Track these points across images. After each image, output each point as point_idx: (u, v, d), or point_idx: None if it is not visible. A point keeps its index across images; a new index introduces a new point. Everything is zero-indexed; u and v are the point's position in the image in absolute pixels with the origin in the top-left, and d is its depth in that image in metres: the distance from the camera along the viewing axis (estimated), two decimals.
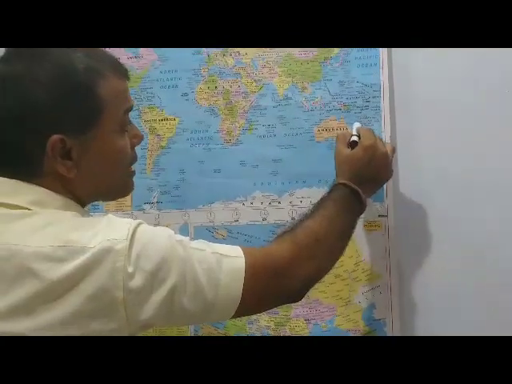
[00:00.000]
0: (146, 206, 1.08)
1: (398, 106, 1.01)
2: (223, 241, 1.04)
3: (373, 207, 1.00)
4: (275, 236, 0.83)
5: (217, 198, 1.06)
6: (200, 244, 0.72)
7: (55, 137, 0.69)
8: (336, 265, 0.91)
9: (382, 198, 1.00)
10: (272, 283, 0.74)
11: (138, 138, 0.79)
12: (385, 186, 0.99)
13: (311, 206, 0.85)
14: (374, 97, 1.00)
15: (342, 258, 0.92)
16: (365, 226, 1.01)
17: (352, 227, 0.86)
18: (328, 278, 0.97)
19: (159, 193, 1.07)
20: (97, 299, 0.63)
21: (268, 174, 1.04)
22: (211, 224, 1.06)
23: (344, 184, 0.86)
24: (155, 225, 0.96)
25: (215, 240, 1.05)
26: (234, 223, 1.05)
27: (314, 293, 1.01)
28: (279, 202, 1.04)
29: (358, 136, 0.92)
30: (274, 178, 1.04)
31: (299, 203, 1.03)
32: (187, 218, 1.06)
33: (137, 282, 0.64)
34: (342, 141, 0.92)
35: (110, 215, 0.70)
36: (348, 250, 0.93)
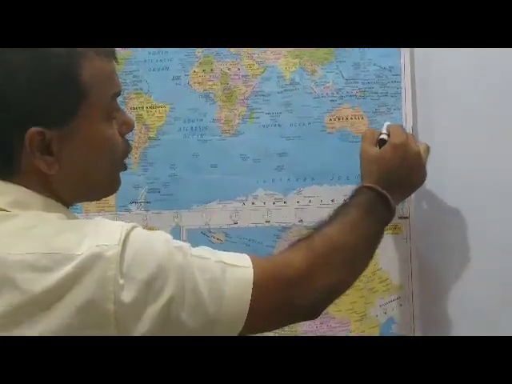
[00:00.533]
0: (132, 206, 1.02)
1: (420, 92, 0.95)
2: (220, 246, 0.99)
3: None
4: (289, 245, 0.79)
5: (213, 197, 1.00)
6: (202, 251, 0.69)
7: (33, 129, 0.66)
8: None
9: None
10: (284, 297, 0.70)
11: (127, 124, 0.75)
12: None
13: (332, 212, 0.81)
14: (393, 81, 0.95)
15: None
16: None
17: (378, 237, 0.82)
18: None
19: (147, 191, 1.02)
20: (85, 312, 0.61)
21: (272, 169, 0.99)
22: (207, 227, 1.00)
23: (370, 187, 0.82)
24: (143, 228, 0.92)
25: (211, 245, 0.93)
26: (232, 226, 0.99)
27: None
28: (285, 202, 0.98)
29: (388, 135, 0.87)
30: (279, 175, 0.98)
31: (308, 203, 0.97)
32: (179, 219, 1.01)
33: (129, 293, 0.62)
34: (369, 139, 0.88)
35: (99, 218, 0.69)
36: None
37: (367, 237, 0.79)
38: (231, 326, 0.68)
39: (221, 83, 1.00)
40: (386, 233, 0.92)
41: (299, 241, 0.76)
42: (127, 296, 0.62)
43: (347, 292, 0.89)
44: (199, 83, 1.00)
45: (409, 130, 0.93)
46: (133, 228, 0.65)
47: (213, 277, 0.66)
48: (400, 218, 0.94)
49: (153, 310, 0.63)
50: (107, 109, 0.71)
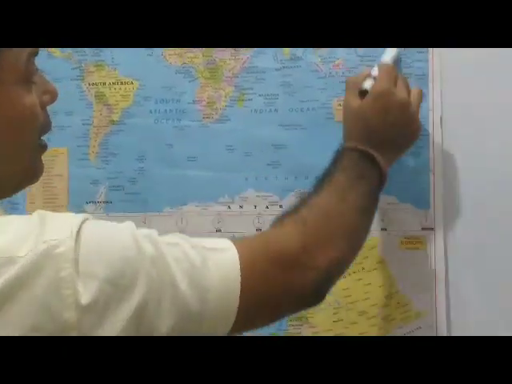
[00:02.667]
0: (89, 207, 0.95)
1: (451, 74, 0.86)
2: None
3: (413, 216, 0.87)
4: (273, 221, 0.75)
5: (191, 197, 0.93)
6: (174, 238, 0.66)
7: None
8: (360, 297, 0.88)
9: (426, 202, 0.87)
10: (279, 280, 0.67)
11: (49, 93, 0.71)
12: (431, 183, 0.87)
13: (314, 182, 0.79)
14: (418, 60, 0.87)
15: (368, 289, 0.88)
16: (402, 242, 0.88)
17: (372, 202, 0.78)
18: (348, 315, 0.89)
19: (108, 188, 0.95)
20: (37, 327, 0.56)
21: (265, 165, 0.92)
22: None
23: (351, 148, 0.78)
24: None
25: None
26: (214, 234, 0.92)
27: None
28: (281, 206, 0.91)
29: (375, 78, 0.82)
30: (275, 172, 0.92)
31: None
32: (148, 225, 0.93)
33: (92, 295, 0.57)
34: (352, 88, 0.83)
35: (40, 211, 0.63)
36: (377, 277, 0.88)
37: (360, 205, 0.76)
38: (220, 321, 0.65)
39: (203, 55, 0.92)
40: (405, 247, 0.88)
41: (284, 216, 0.73)
42: (89, 299, 0.58)
43: (357, 319, 0.88)
44: (176, 55, 0.93)
45: (437, 121, 0.85)
46: (85, 219, 0.61)
47: (192, 265, 0.62)
48: (423, 229, 0.87)
49: (122, 315, 0.59)
50: (24, 71, 0.66)
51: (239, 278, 0.65)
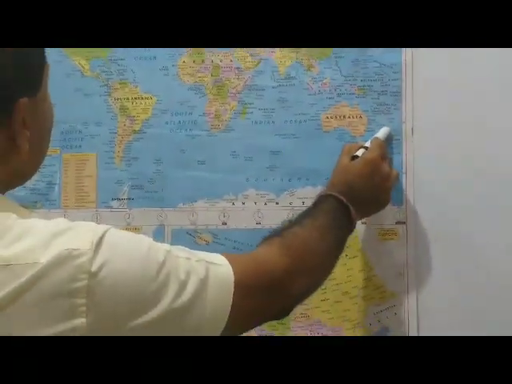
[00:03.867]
0: (114, 203, 0.99)
1: (421, 91, 0.93)
2: (207, 247, 0.96)
3: (389, 211, 0.92)
4: (262, 240, 0.77)
5: (201, 195, 0.98)
6: (182, 252, 0.66)
7: (25, 99, 0.61)
8: (343, 280, 0.94)
9: (400, 199, 0.93)
10: (264, 298, 0.69)
11: None
12: (404, 183, 0.93)
13: (296, 215, 0.83)
14: (393, 79, 0.94)
15: (350, 273, 0.94)
16: (379, 234, 0.94)
17: (342, 246, 0.83)
18: (333, 294, 0.94)
19: (130, 187, 0.99)
20: (43, 327, 0.55)
21: (264, 168, 0.97)
22: (193, 227, 0.98)
23: (333, 196, 0.83)
24: (125, 227, 0.95)
25: (197, 246, 0.96)
26: (220, 227, 0.97)
27: (315, 312, 0.94)
28: (277, 203, 0.97)
29: (367, 148, 0.89)
30: (272, 174, 0.97)
31: (301, 205, 0.95)
32: (164, 218, 0.98)
33: (105, 307, 0.57)
34: (346, 152, 0.90)
35: (61, 219, 0.61)
36: (358, 263, 0.94)
37: (335, 243, 0.80)
38: (212, 329, 0.65)
39: (212, 75, 0.97)
40: (382, 238, 0.94)
41: (271, 236, 0.76)
42: (101, 311, 0.57)
43: (340, 299, 0.95)
44: (189, 74, 0.97)
45: (409, 131, 0.92)
46: (106, 231, 0.59)
47: (198, 278, 0.63)
48: (397, 223, 0.92)
49: (134, 325, 0.59)
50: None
51: (232, 292, 0.65)
